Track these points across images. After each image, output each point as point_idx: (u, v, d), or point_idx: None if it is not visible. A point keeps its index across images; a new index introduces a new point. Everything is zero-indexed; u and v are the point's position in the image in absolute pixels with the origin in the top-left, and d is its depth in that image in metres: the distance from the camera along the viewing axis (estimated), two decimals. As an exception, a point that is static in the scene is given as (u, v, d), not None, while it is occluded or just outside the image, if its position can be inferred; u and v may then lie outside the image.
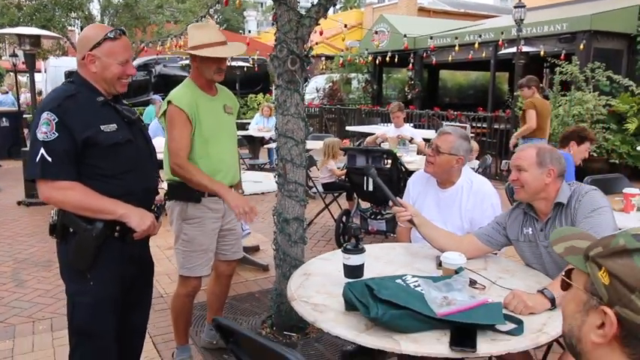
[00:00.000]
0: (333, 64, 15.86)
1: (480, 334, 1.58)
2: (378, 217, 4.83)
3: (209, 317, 3.09)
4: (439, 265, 2.15)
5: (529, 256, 2.22)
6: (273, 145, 8.47)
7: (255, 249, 4.90)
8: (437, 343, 1.56)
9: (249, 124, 9.99)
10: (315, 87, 15.64)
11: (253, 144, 9.39)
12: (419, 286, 1.78)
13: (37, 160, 1.80)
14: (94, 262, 1.90)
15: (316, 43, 17.70)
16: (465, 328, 1.58)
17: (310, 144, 7.04)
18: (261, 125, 9.42)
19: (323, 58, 15.70)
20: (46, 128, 1.80)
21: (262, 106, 9.83)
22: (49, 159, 1.80)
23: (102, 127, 1.89)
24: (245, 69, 13.31)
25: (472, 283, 1.92)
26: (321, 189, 5.70)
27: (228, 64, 12.30)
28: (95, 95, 1.94)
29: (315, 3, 3.11)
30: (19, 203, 6.84)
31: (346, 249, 1.96)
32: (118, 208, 1.90)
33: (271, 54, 3.11)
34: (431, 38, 11.07)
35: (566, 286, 0.93)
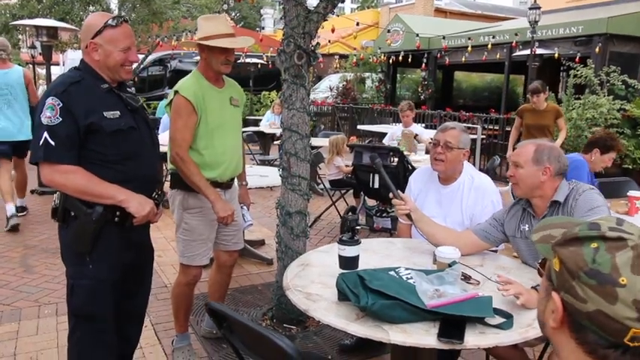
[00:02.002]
0: (347, 62, 15.86)
1: (470, 327, 1.60)
2: (384, 214, 4.84)
3: (210, 307, 3.12)
4: (435, 260, 2.17)
5: (525, 253, 2.22)
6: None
7: (260, 243, 4.93)
8: (425, 334, 1.58)
9: (261, 120, 10.04)
10: (329, 86, 15.66)
11: (264, 140, 9.44)
12: (411, 278, 1.80)
13: (41, 143, 1.85)
14: (93, 245, 1.95)
15: (329, 42, 17.71)
16: (454, 321, 1.60)
17: (320, 141, 7.11)
18: (272, 121, 9.47)
19: (337, 57, 15.70)
20: (50, 113, 1.85)
21: (274, 103, 9.88)
22: (52, 143, 1.84)
23: (105, 114, 1.93)
24: (259, 66, 13.37)
25: (466, 278, 1.93)
26: (328, 185, 5.72)
27: (243, 60, 12.45)
28: (100, 82, 1.99)
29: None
30: (32, 192, 6.94)
31: (342, 240, 1.98)
32: (118, 194, 1.94)
33: (279, 48, 3.14)
34: (444, 38, 11.03)
35: (540, 274, 0.95)
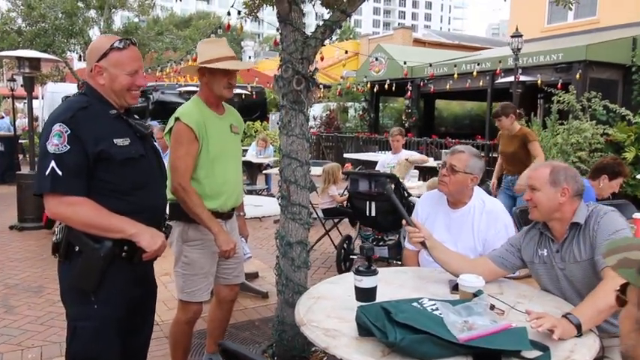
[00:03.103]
0: (330, 92, 15.98)
1: (505, 362, 1.49)
2: (380, 243, 4.73)
3: (209, 345, 2.95)
4: (453, 288, 2.06)
5: (545, 279, 2.13)
6: (271, 171, 8.42)
7: (254, 275, 4.77)
8: (460, 370, 1.46)
9: (246, 150, 9.97)
10: (312, 115, 15.72)
11: (251, 170, 9.36)
12: (437, 309, 1.69)
13: (47, 173, 1.72)
14: (99, 283, 1.79)
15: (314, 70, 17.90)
16: (489, 355, 1.49)
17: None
18: (257, 154, 9.46)
19: (322, 87, 15.82)
20: (57, 140, 1.72)
21: (257, 139, 9.84)
22: (60, 172, 1.71)
23: (115, 141, 1.82)
24: (243, 96, 13.36)
25: (490, 307, 1.83)
26: (321, 214, 5.60)
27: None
28: (107, 108, 1.88)
29: (320, 24, 3.10)
30: (11, 228, 6.69)
31: (358, 270, 1.87)
32: (129, 227, 1.81)
33: (276, 74, 3.08)
34: (430, 65, 11.18)
35: (620, 302, 0.85)
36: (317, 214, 5.64)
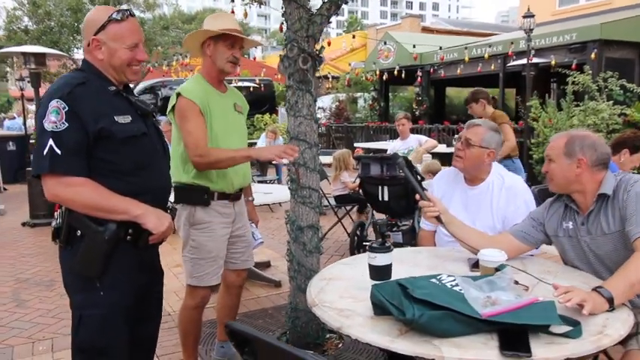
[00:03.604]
0: (339, 83, 15.84)
1: (533, 338, 1.38)
2: (394, 229, 4.62)
3: (220, 334, 2.88)
4: (473, 266, 1.96)
5: (570, 253, 2.02)
6: (282, 161, 8.32)
7: (266, 265, 4.70)
8: (484, 347, 1.36)
9: (256, 143, 9.90)
10: (322, 107, 15.59)
11: (261, 161, 9.28)
12: (457, 285, 1.58)
13: (45, 152, 1.61)
14: (104, 268, 1.70)
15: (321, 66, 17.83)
16: (515, 331, 1.38)
17: (321, 159, 6.91)
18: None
19: (330, 78, 15.70)
20: (55, 117, 1.61)
21: (267, 130, 9.75)
22: (59, 151, 1.61)
23: (116, 118, 1.71)
24: (251, 89, 13.27)
25: (515, 283, 1.72)
26: (333, 202, 5.51)
27: (235, 84, 12.38)
28: (106, 84, 1.77)
29: (326, 1, 2.99)
30: (23, 224, 6.69)
31: (372, 247, 1.77)
32: (134, 208, 1.71)
33: (281, 54, 2.98)
34: (440, 49, 10.98)
35: None
36: (329, 202, 5.55)
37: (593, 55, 8.75)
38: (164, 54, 11.99)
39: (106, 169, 1.71)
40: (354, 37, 11.41)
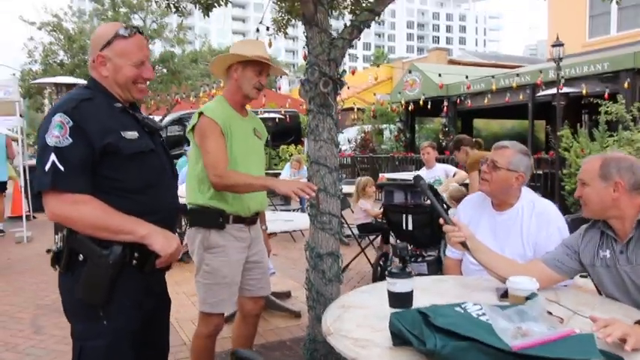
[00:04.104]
0: (365, 114, 15.87)
1: (569, 375, 1.24)
2: (419, 259, 4.46)
3: (234, 365, 2.76)
4: (502, 295, 1.81)
5: (609, 284, 1.86)
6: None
7: (286, 295, 4.57)
8: (514, 384, 1.22)
9: (280, 174, 9.91)
10: (347, 138, 15.60)
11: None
12: (483, 314, 1.45)
13: (47, 168, 1.55)
14: (109, 295, 1.60)
15: (347, 98, 17.98)
16: (550, 366, 1.24)
17: (344, 188, 6.85)
18: (290, 176, 9.35)
19: (356, 109, 15.74)
20: (58, 132, 1.56)
21: (292, 159, 9.76)
22: (62, 168, 1.55)
23: (123, 134, 1.66)
24: (277, 120, 13.41)
25: (548, 314, 1.57)
26: (356, 231, 5.39)
27: (261, 115, 12.54)
28: (112, 101, 1.73)
29: (348, 25, 2.96)
30: (48, 251, 6.72)
31: (392, 273, 1.66)
32: (140, 228, 1.63)
33: (301, 79, 2.95)
34: (466, 77, 10.89)
35: None
36: (352, 232, 5.42)
37: (626, 85, 8.54)
38: (192, 86, 12.25)
39: (112, 187, 1.64)
40: (378, 65, 11.48)
